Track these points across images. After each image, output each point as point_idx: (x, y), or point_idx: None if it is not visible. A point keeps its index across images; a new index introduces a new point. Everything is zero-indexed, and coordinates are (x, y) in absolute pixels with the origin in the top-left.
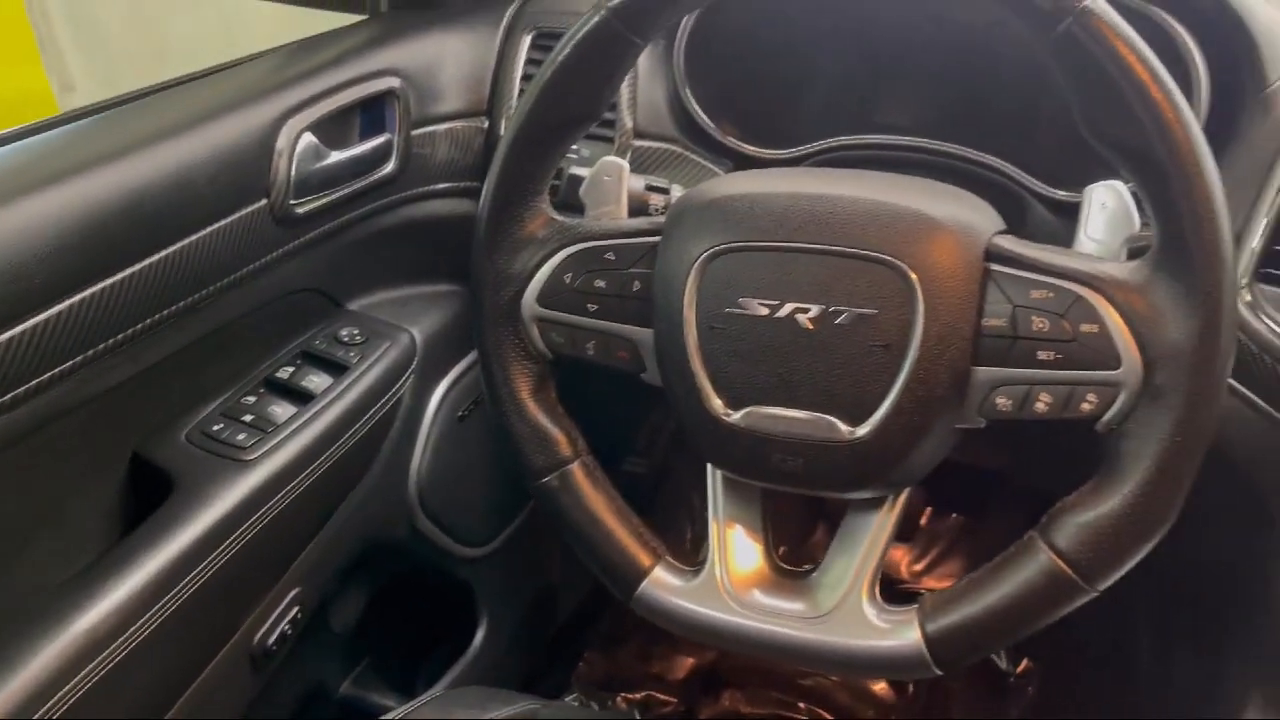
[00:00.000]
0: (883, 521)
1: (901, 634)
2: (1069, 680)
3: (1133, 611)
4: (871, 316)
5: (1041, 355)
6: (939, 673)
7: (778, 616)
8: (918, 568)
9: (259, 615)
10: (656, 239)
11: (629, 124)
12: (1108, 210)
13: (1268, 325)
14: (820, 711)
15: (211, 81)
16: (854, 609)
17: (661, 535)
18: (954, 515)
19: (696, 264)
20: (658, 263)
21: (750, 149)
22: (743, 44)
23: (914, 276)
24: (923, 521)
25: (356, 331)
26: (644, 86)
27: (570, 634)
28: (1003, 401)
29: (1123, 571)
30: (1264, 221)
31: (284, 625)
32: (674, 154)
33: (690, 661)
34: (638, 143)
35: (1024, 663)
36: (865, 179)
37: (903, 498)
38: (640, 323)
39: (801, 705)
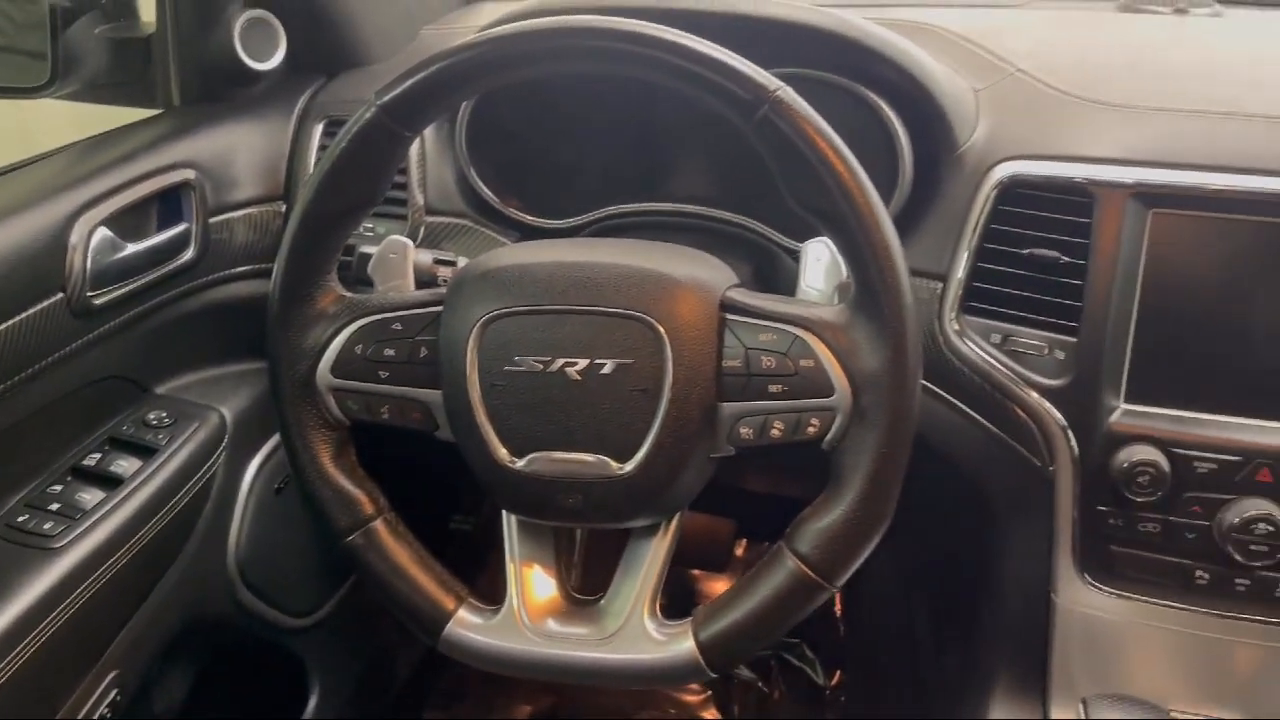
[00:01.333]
0: (659, 546)
1: (678, 645)
2: (874, 686)
3: (914, 615)
4: (630, 365)
5: (772, 388)
6: (713, 675)
7: (569, 642)
8: None
9: (75, 701)
10: (439, 308)
11: (420, 202)
12: (821, 262)
13: (972, 349)
14: None
15: (4, 181)
16: (636, 627)
17: (491, 585)
18: (766, 543)
19: (475, 328)
20: (441, 329)
21: (535, 220)
22: (523, 125)
23: (661, 329)
24: (739, 552)
25: (164, 414)
26: (433, 166)
27: (410, 695)
28: (746, 431)
29: (854, 567)
30: (964, 262)
31: (102, 709)
32: (465, 228)
33: (529, 709)
34: (430, 219)
35: (837, 675)
36: (618, 247)
37: (675, 522)
38: (430, 385)
39: None
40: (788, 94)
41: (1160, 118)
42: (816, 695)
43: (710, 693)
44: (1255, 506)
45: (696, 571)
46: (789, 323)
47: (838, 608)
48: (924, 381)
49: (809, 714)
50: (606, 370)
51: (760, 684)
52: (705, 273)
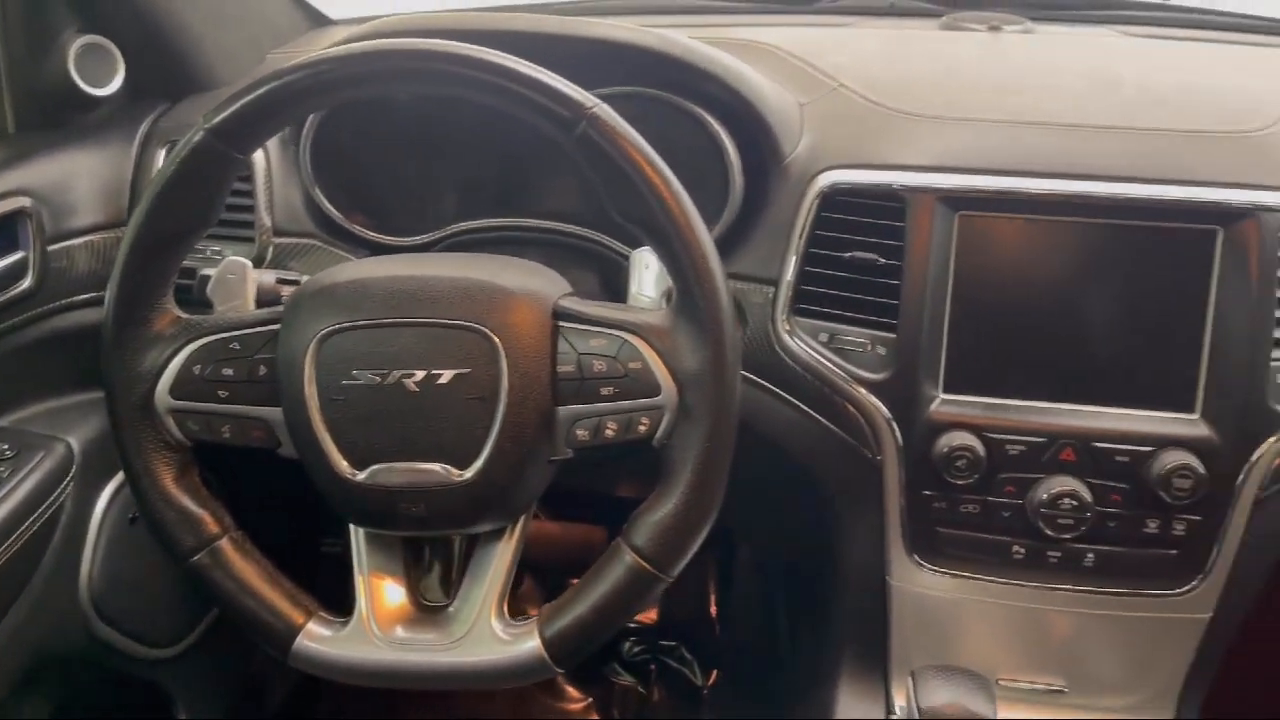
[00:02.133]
0: (505, 550)
1: (523, 644)
2: (745, 682)
3: (775, 609)
4: (467, 375)
5: (604, 391)
6: (560, 671)
7: (418, 648)
8: None
9: None
10: (277, 326)
11: (267, 223)
12: (650, 270)
13: (802, 348)
14: None
15: None
16: (484, 629)
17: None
18: None
19: (312, 344)
20: (279, 347)
21: (384, 239)
22: (371, 144)
23: (496, 338)
24: None
25: (5, 446)
26: (279, 187)
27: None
28: (581, 433)
29: (687, 557)
30: (792, 267)
31: None
32: (314, 248)
33: None
34: (279, 240)
35: (713, 675)
36: (452, 260)
37: (520, 525)
38: (269, 403)
39: None
40: (604, 111)
41: (967, 127)
42: (694, 695)
43: (591, 699)
44: (1061, 484)
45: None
46: (617, 328)
47: (713, 608)
48: (760, 380)
49: (688, 714)
50: (444, 380)
51: (639, 687)
52: (537, 283)
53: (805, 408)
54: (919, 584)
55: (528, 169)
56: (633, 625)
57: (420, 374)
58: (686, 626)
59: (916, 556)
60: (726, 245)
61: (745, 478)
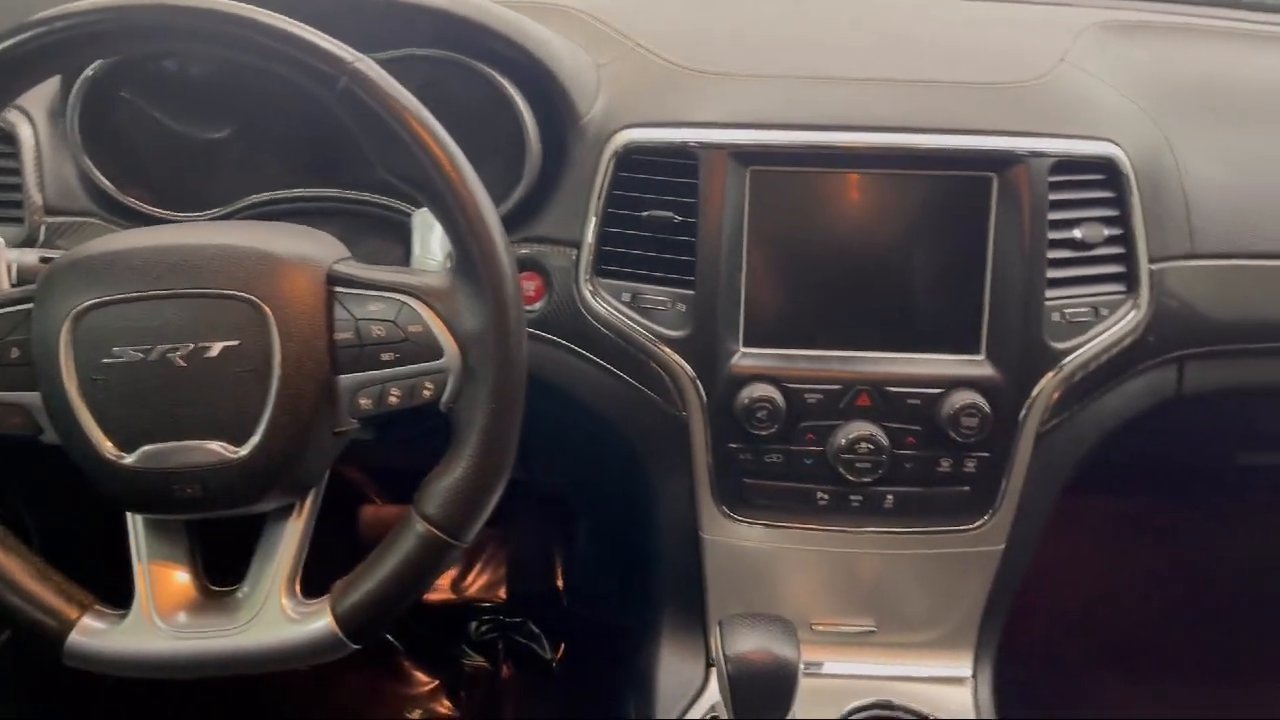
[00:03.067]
0: (294, 528)
1: (315, 622)
2: (588, 650)
3: (608, 572)
4: (237, 347)
5: (385, 357)
6: (355, 647)
7: (204, 634)
8: (466, 585)
9: None
10: (29, 306)
11: (38, 201)
12: (433, 231)
13: (606, 309)
14: None
15: None
16: (273, 610)
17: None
18: (486, 529)
19: (67, 322)
20: (33, 327)
21: (166, 214)
22: (146, 111)
23: (265, 307)
24: None
25: None
26: (50, 163)
27: None
28: (365, 402)
29: (480, 523)
30: (592, 228)
31: None
32: (93, 226)
33: None
34: (51, 219)
35: (561, 649)
36: (218, 228)
37: (309, 502)
38: (27, 387)
39: None
40: (367, 66)
41: (758, 84)
42: (544, 669)
43: (438, 682)
44: (858, 429)
45: None
46: (395, 291)
47: (559, 581)
48: (567, 343)
49: (539, 689)
50: (212, 354)
51: (488, 666)
52: (310, 248)
53: (612, 368)
54: (730, 535)
55: (323, 136)
56: (481, 605)
57: (186, 348)
58: (533, 602)
59: (726, 508)
60: (528, 209)
61: (561, 442)
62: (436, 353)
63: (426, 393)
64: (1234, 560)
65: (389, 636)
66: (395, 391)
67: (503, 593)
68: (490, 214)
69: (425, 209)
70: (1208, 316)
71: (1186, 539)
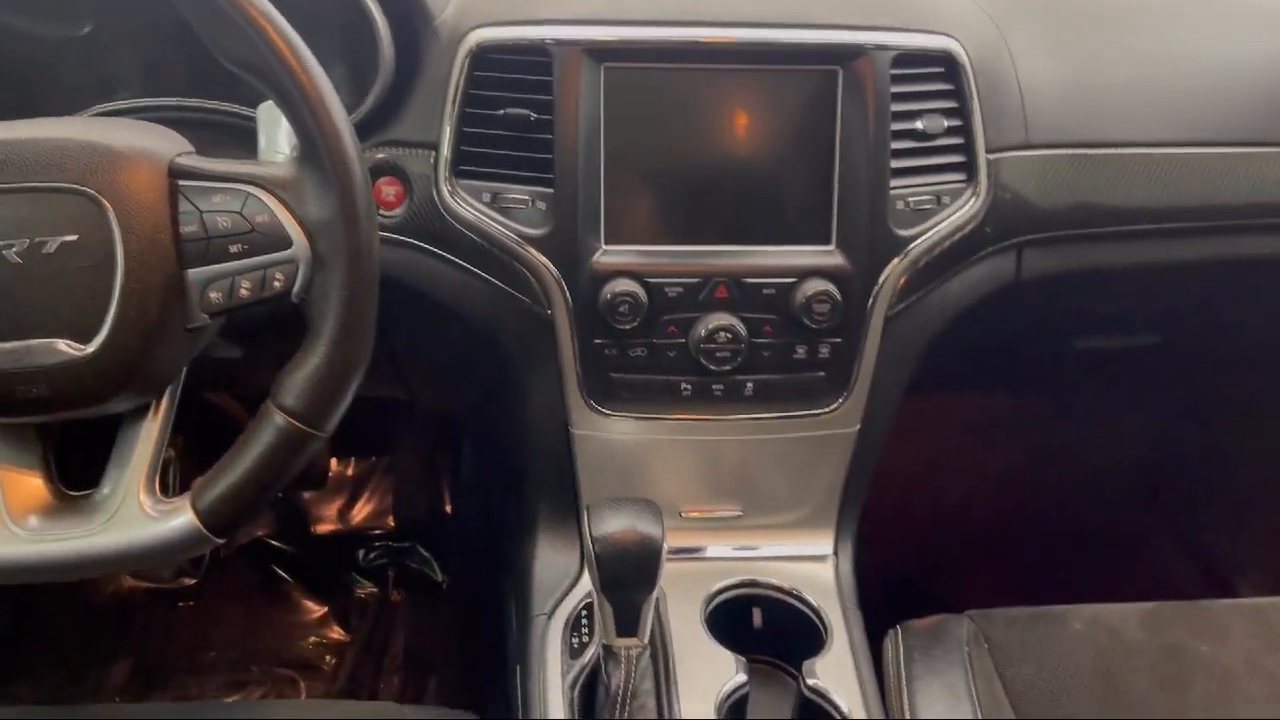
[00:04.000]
0: (150, 428)
1: (176, 518)
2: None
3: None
4: (75, 242)
5: (233, 249)
6: (219, 541)
7: (58, 535)
8: (353, 514)
9: None
10: None
11: None
12: (279, 124)
13: (467, 210)
14: (279, 670)
15: None
16: (131, 509)
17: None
18: (372, 458)
19: None
20: None
21: None
22: None
23: (104, 201)
24: (336, 468)
25: None
26: None
27: None
28: (215, 296)
29: (342, 411)
30: (450, 129)
31: None
32: None
33: (127, 663)
34: None
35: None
36: (53, 123)
37: (165, 401)
38: None
39: (254, 669)
40: None
41: None
42: (435, 591)
43: (326, 609)
44: (717, 320)
45: None
46: (239, 181)
47: (448, 505)
48: (430, 247)
49: (430, 611)
50: (50, 250)
51: (378, 591)
52: (151, 141)
53: (475, 270)
54: (600, 429)
55: (177, 42)
56: (369, 533)
57: (22, 244)
58: (422, 526)
59: (594, 403)
60: (384, 113)
61: (437, 359)
62: (285, 243)
63: (277, 284)
64: (1076, 444)
65: (276, 569)
66: (245, 284)
67: (391, 520)
68: (332, 99)
69: (269, 103)
70: (1042, 203)
71: (1031, 426)
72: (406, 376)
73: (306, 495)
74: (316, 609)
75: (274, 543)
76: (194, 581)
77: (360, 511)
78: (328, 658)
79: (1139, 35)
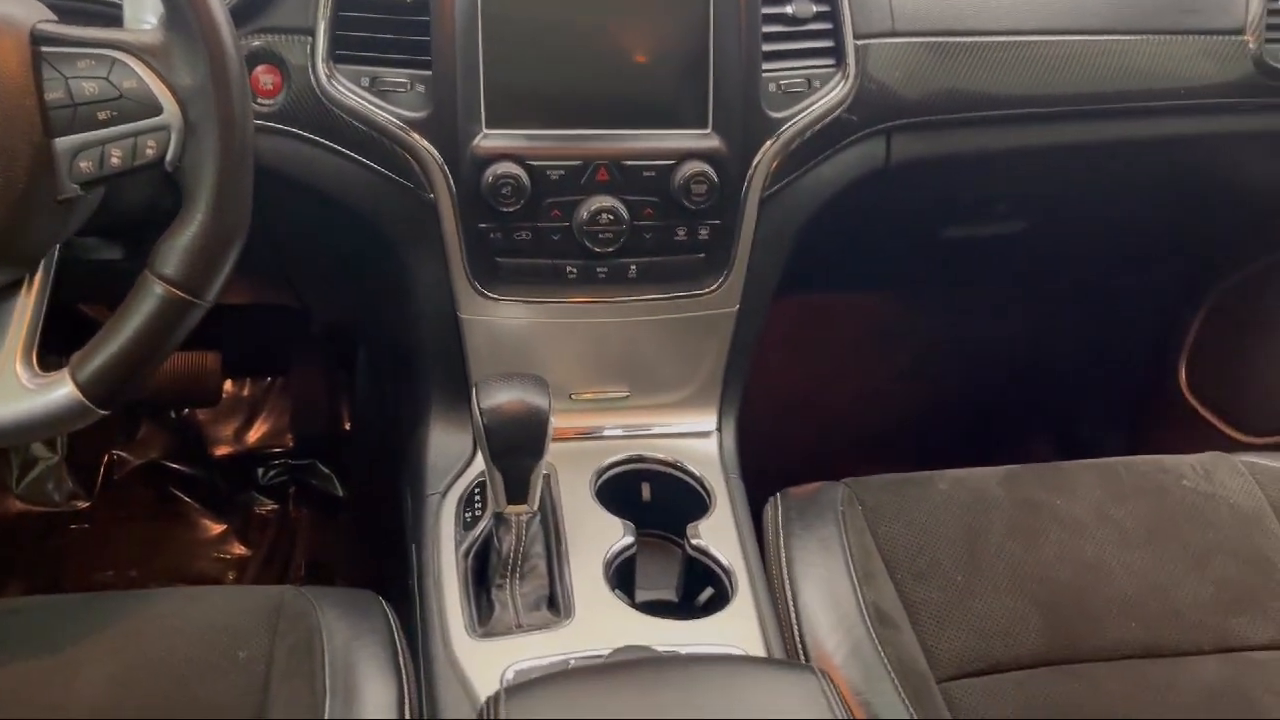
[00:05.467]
0: (25, 301)
1: (56, 390)
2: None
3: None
4: None
5: (101, 116)
6: (102, 412)
7: None
8: (250, 435)
9: None
10: None
11: None
12: None
13: (345, 94)
14: (179, 587)
15: None
16: (9, 382)
17: None
18: (268, 378)
19: None
20: None
21: None
22: None
23: None
24: (232, 389)
25: None
26: None
27: None
28: (86, 165)
29: (223, 279)
30: (325, 13)
31: None
32: None
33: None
34: None
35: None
36: None
37: (40, 274)
38: None
39: (152, 587)
40: None
41: None
42: (337, 505)
43: (226, 527)
44: (599, 202)
45: None
46: (104, 47)
47: (346, 422)
48: (310, 135)
49: (332, 524)
50: None
51: (278, 508)
52: (10, 7)
53: (356, 156)
54: (488, 314)
55: None
56: (268, 452)
57: None
58: (322, 443)
59: (480, 287)
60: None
61: (317, 243)
62: (155, 109)
63: (149, 151)
64: (949, 329)
65: (174, 489)
66: (116, 152)
67: (289, 438)
68: None
69: None
70: (907, 89)
71: (908, 315)
72: (295, 278)
73: (202, 416)
74: (216, 527)
75: (170, 464)
76: (86, 505)
77: (258, 431)
78: (229, 573)
79: None
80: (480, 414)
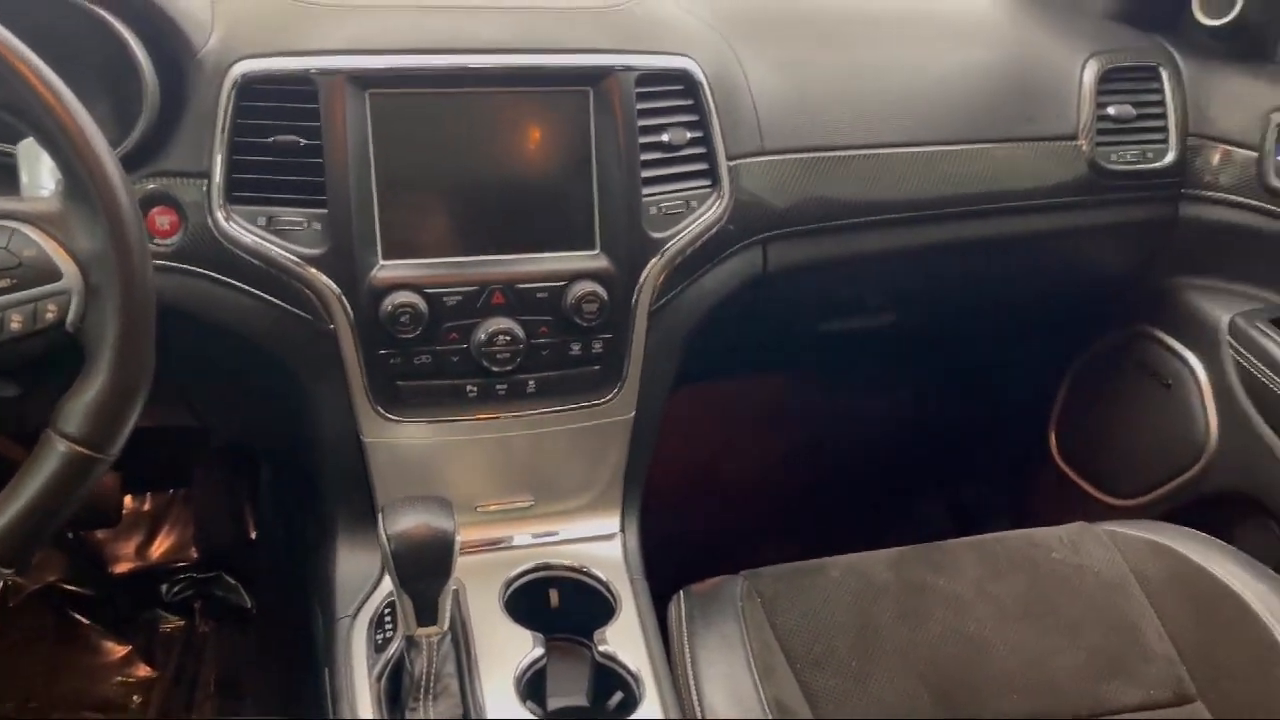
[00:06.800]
0: None
1: None
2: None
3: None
4: None
5: (1, 284)
6: (8, 571)
7: None
8: (153, 550)
9: None
10: None
11: None
12: (40, 159)
13: (243, 234)
14: (84, 715)
15: None
16: None
17: None
18: (169, 491)
19: None
20: None
21: None
22: None
23: None
24: (132, 504)
25: None
26: None
27: None
28: None
29: (127, 432)
30: (220, 157)
31: None
32: None
33: None
34: None
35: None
36: None
37: None
38: None
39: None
40: None
41: (372, 13)
42: (246, 617)
43: (131, 648)
44: (496, 324)
45: None
46: (3, 217)
47: (252, 531)
48: (209, 273)
49: (241, 638)
50: None
51: (184, 624)
52: None
53: (256, 291)
54: (391, 435)
55: None
56: (172, 567)
57: None
58: (227, 554)
59: (383, 410)
60: (153, 144)
61: (227, 385)
62: (55, 275)
63: (50, 315)
64: (843, 417)
65: (73, 612)
66: (16, 317)
67: (194, 552)
68: (92, 132)
69: (30, 140)
70: (778, 203)
71: (803, 405)
72: (195, 403)
73: (100, 534)
74: (119, 649)
75: (68, 587)
76: None
77: (160, 546)
78: (134, 696)
79: (855, 50)
80: (387, 540)
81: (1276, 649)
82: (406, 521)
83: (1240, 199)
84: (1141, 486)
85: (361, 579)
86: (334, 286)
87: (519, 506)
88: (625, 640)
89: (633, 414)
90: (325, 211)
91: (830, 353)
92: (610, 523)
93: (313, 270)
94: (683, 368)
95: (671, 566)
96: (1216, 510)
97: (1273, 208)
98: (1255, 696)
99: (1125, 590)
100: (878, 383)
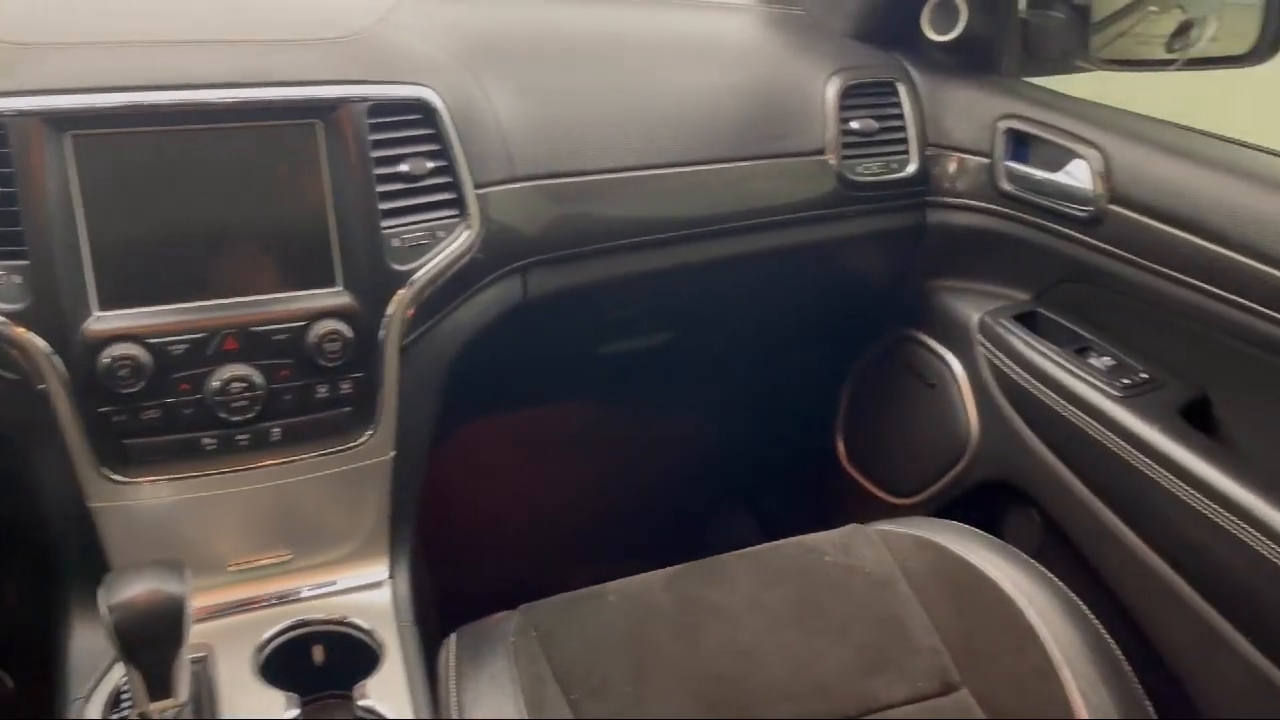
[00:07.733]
0: None
1: None
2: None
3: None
4: None
5: None
6: None
7: None
8: None
9: None
10: None
11: None
12: None
13: None
14: None
15: None
16: None
17: None
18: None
19: None
20: None
21: None
22: None
23: None
24: None
25: None
26: None
27: None
28: None
29: None
30: None
31: None
32: None
33: None
34: None
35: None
36: None
37: None
38: None
39: None
40: None
41: (75, 51)
42: (9, 701)
43: None
44: (230, 371)
45: None
46: None
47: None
48: None
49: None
50: None
51: None
52: None
53: None
54: (122, 499)
55: None
56: None
57: None
58: None
59: (109, 472)
60: None
61: None
62: None
63: None
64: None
65: None
66: None
67: None
68: None
69: None
70: (531, 230)
71: (604, 430)
72: None
73: None
74: None
75: None
76: None
77: None
78: None
79: (605, 74)
80: (108, 612)
81: (1030, 631)
82: (131, 590)
83: (977, 203)
84: (918, 484)
85: (98, 655)
86: (41, 343)
87: (276, 562)
88: (388, 691)
89: (392, 454)
90: (27, 263)
91: (623, 375)
92: (378, 570)
93: (15, 327)
94: (461, 401)
95: (475, 607)
96: (985, 501)
97: (1007, 210)
98: (1013, 678)
99: (893, 587)
100: (674, 401)
